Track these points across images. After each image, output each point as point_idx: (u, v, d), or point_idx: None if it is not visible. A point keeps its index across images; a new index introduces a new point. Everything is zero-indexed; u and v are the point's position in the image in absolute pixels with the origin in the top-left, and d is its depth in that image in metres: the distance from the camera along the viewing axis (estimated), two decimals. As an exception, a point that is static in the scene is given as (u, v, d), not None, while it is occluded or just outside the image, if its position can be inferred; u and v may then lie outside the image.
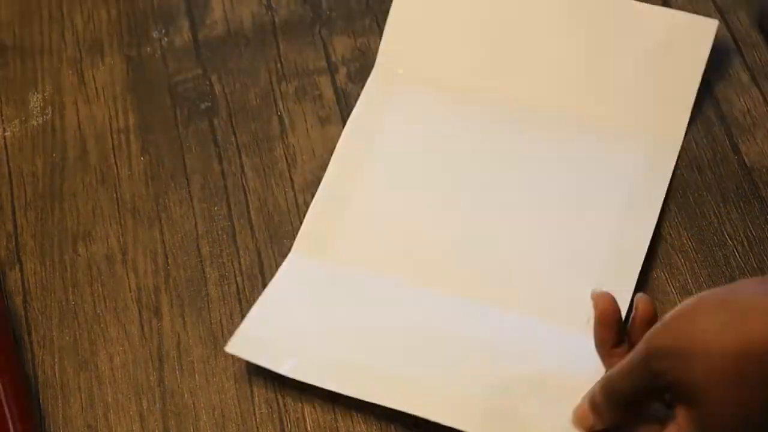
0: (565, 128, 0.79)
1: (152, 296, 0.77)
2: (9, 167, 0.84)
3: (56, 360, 0.76)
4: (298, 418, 0.72)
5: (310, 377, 0.71)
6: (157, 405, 0.74)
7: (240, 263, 0.78)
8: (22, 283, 0.79)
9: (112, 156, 0.84)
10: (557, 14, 0.82)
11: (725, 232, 0.76)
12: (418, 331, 0.73)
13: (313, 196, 0.79)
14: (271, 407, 0.73)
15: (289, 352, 0.72)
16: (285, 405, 0.73)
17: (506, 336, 0.72)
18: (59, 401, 0.74)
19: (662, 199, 0.76)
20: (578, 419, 0.66)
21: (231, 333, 0.75)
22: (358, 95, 0.83)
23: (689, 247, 0.76)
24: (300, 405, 0.73)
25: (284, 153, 0.82)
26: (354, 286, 0.75)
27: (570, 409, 0.66)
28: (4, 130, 0.85)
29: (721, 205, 0.77)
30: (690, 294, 0.69)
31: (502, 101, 0.81)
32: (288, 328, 0.73)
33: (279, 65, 0.86)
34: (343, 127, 0.82)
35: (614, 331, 0.65)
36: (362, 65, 0.85)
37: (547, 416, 0.67)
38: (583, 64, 0.81)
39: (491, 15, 0.83)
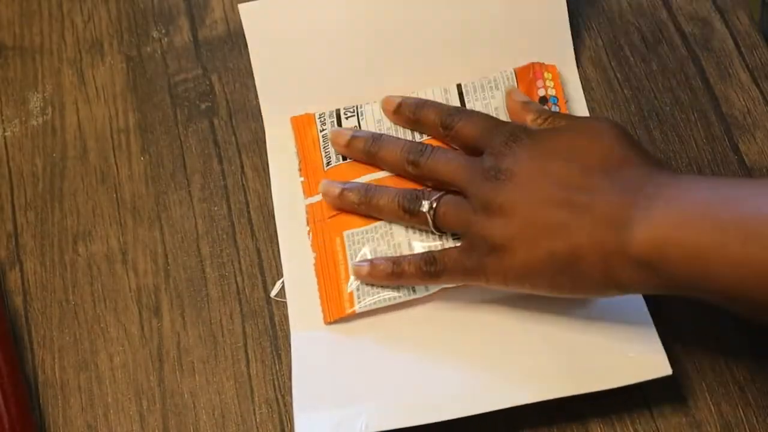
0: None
1: (152, 296, 0.77)
2: (9, 167, 0.84)
3: (56, 360, 0.76)
4: (298, 418, 0.73)
5: (385, 423, 0.70)
6: (157, 405, 0.74)
7: (240, 263, 0.78)
8: (22, 283, 0.79)
9: (112, 156, 0.84)
10: None
11: (725, 232, 0.76)
12: (447, 339, 0.73)
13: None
14: (271, 407, 0.73)
15: (353, 415, 0.70)
16: (285, 405, 0.73)
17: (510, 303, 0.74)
18: (59, 401, 0.74)
19: None
20: None
21: (231, 333, 0.75)
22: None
23: (689, 247, 0.76)
24: (300, 405, 0.73)
25: (284, 153, 0.82)
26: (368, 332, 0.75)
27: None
28: (4, 130, 0.85)
29: (721, 205, 0.77)
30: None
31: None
32: (335, 394, 0.72)
33: (279, 65, 0.86)
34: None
35: None
36: (362, 65, 0.85)
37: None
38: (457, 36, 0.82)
39: (347, 21, 0.82)
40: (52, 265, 0.79)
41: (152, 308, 0.77)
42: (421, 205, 0.73)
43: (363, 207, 0.75)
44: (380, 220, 0.76)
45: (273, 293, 0.77)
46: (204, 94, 0.85)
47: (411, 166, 0.75)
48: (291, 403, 0.73)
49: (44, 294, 0.78)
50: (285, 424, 0.72)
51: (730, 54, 0.83)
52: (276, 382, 0.74)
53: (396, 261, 0.73)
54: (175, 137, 0.84)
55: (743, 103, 0.81)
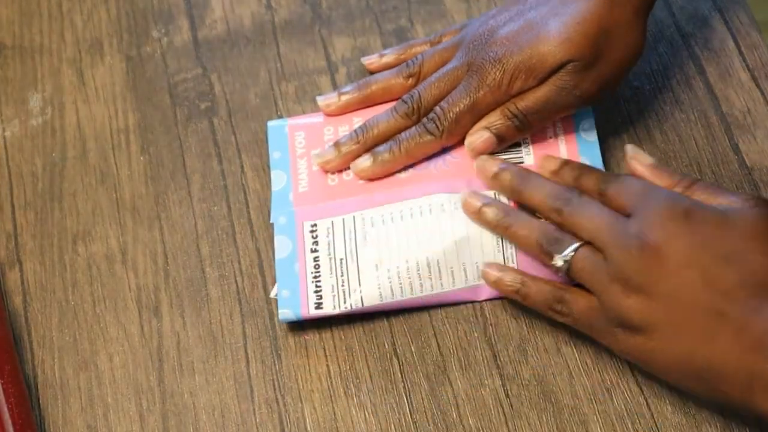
0: None
1: (152, 296, 0.77)
2: (9, 167, 0.84)
3: (56, 360, 0.76)
4: (298, 418, 0.73)
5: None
6: (157, 405, 0.74)
7: (240, 263, 0.78)
8: (22, 283, 0.79)
9: (111, 156, 0.83)
10: None
11: (725, 232, 0.76)
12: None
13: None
14: (271, 407, 0.73)
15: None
16: (285, 405, 0.73)
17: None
18: (59, 401, 0.74)
19: None
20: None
21: (231, 333, 0.75)
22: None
23: (689, 247, 0.76)
24: (300, 405, 0.73)
25: (284, 153, 0.82)
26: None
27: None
28: (4, 130, 0.85)
29: (721, 205, 0.77)
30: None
31: None
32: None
33: (279, 65, 0.86)
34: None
35: None
36: (362, 65, 0.85)
37: None
38: None
39: None
40: (52, 265, 0.79)
41: (152, 308, 0.77)
42: (559, 251, 0.70)
43: (499, 230, 0.74)
44: None
45: (273, 293, 0.77)
46: (204, 93, 0.85)
47: (554, 213, 0.71)
48: (291, 404, 0.73)
49: (44, 294, 0.78)
50: (285, 424, 0.72)
51: (730, 54, 0.83)
52: (276, 382, 0.74)
53: (523, 282, 0.72)
54: (174, 137, 0.84)
55: (743, 102, 0.81)
